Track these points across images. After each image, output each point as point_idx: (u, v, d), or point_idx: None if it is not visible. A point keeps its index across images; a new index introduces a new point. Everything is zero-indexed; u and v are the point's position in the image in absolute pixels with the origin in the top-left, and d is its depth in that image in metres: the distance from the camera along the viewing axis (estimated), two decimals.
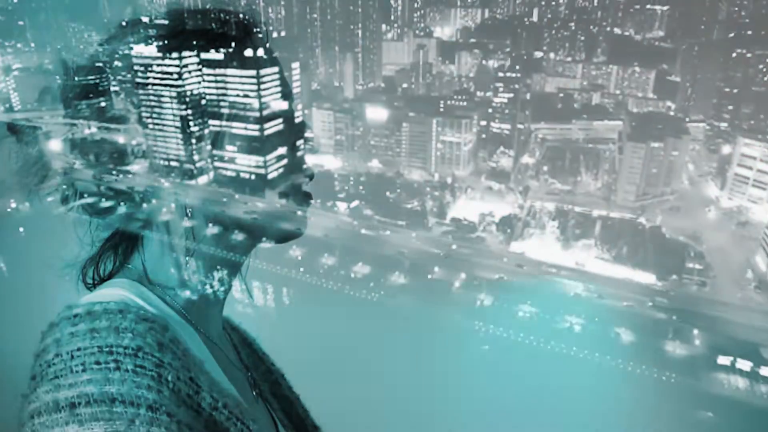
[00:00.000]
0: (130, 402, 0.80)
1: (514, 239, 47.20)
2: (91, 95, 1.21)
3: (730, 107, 54.07)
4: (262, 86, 1.26)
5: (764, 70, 53.33)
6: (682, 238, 46.12)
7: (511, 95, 56.22)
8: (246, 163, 1.23)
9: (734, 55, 55.36)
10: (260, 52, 1.29)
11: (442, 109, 56.29)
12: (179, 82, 1.22)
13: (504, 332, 34.57)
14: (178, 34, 1.22)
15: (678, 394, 31.24)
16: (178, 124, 1.23)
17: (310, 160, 1.34)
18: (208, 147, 1.23)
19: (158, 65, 1.20)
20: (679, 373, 32.44)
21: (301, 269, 42.95)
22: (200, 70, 1.21)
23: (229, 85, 1.24)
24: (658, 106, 60.95)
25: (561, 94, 63.57)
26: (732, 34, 57.93)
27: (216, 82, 1.23)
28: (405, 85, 66.29)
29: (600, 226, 47.58)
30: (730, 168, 49.67)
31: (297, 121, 1.33)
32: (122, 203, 1.18)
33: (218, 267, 1.23)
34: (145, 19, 1.21)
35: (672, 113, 59.49)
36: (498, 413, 31.77)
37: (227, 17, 1.25)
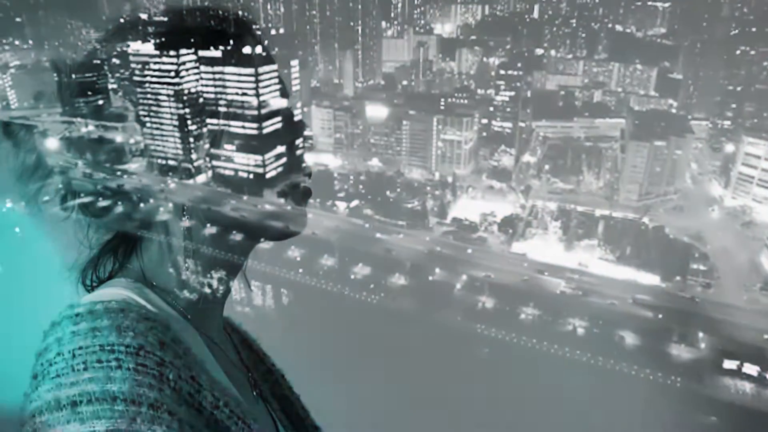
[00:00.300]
0: (132, 400, 0.81)
1: (516, 240, 47.11)
2: (88, 93, 1.21)
3: (734, 105, 54.04)
4: (261, 84, 1.26)
5: None
6: (685, 239, 45.97)
7: (513, 93, 56.20)
8: (244, 162, 1.23)
9: (738, 52, 55.34)
10: (258, 49, 1.29)
11: (442, 107, 56.25)
12: (177, 80, 1.22)
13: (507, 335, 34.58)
14: (176, 32, 1.22)
15: (683, 399, 31.06)
16: (176, 122, 1.23)
17: (310, 159, 1.34)
18: (206, 146, 1.23)
19: (155, 63, 1.20)
20: (685, 377, 32.22)
21: (300, 270, 42.96)
22: (198, 68, 1.21)
23: (227, 83, 1.24)
24: (660, 103, 60.95)
25: (562, 92, 63.57)
26: (736, 31, 57.93)
27: (214, 80, 1.23)
28: (405, 83, 66.28)
29: (603, 226, 47.47)
30: (733, 167, 49.61)
31: (296, 119, 1.34)
32: (120, 203, 1.18)
33: (218, 267, 1.23)
34: (144, 16, 1.22)
35: (674, 111, 59.49)
36: (497, 414, 31.79)
37: (225, 15, 1.26)
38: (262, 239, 1.34)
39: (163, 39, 1.20)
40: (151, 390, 0.84)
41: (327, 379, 29.43)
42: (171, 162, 1.23)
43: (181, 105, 1.23)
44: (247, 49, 1.26)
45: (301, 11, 69.75)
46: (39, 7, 57.79)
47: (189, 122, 1.24)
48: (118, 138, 1.22)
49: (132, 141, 1.22)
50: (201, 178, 1.23)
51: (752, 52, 54.67)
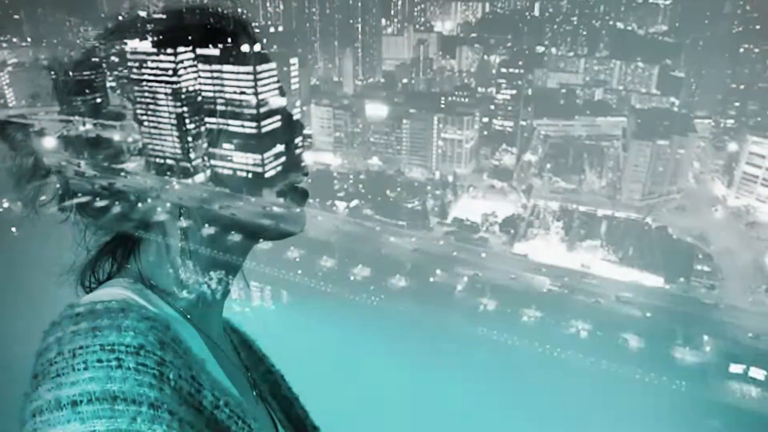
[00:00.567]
0: (132, 400, 0.81)
1: (518, 240, 47.03)
2: (86, 91, 1.21)
3: (737, 103, 54.02)
4: (259, 83, 1.26)
5: None
6: (689, 239, 45.89)
7: (514, 91, 56.21)
8: (243, 162, 1.23)
9: (741, 50, 55.33)
10: (257, 47, 1.29)
11: (443, 106, 56.24)
12: (174, 79, 1.22)
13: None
14: (173, 30, 1.22)
15: (689, 404, 30.89)
16: (174, 121, 1.23)
17: (309, 158, 1.34)
18: (205, 145, 1.24)
19: (153, 61, 1.21)
20: (691, 382, 32.02)
21: (299, 271, 42.95)
22: (196, 66, 1.21)
23: (225, 82, 1.24)
24: (661, 101, 60.98)
25: (563, 90, 63.63)
26: (740, 29, 57.91)
27: (212, 78, 1.23)
28: (405, 81, 66.30)
29: (605, 227, 47.44)
30: (737, 166, 49.59)
31: (295, 118, 1.34)
32: (117, 204, 1.18)
33: (217, 268, 1.24)
34: (143, 14, 1.22)
35: (676, 109, 59.50)
36: (498, 416, 31.82)
37: (223, 13, 1.26)
38: (260, 240, 1.35)
39: (160, 37, 1.20)
40: (152, 389, 0.84)
41: (326, 380, 29.47)
42: (169, 161, 1.23)
43: (179, 104, 1.23)
44: (245, 48, 1.26)
45: (300, 8, 69.76)
46: (38, 5, 57.80)
47: (187, 121, 1.24)
48: (116, 137, 1.22)
49: (130, 140, 1.22)
50: (199, 178, 1.23)
51: (756, 50, 54.69)
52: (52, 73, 1.23)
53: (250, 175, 1.24)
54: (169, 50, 1.21)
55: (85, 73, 1.23)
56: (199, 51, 1.21)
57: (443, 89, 62.45)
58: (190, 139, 1.24)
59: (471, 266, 43.70)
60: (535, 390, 32.30)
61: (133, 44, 1.22)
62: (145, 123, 1.25)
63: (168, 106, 1.24)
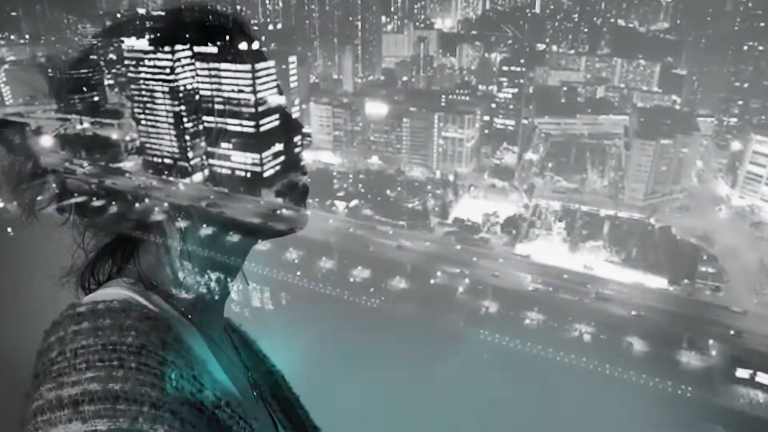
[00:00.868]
0: (134, 399, 0.82)
1: (520, 241, 46.92)
2: (84, 89, 1.22)
3: (740, 102, 54.02)
4: (258, 81, 1.26)
5: None
6: (693, 240, 45.74)
7: (516, 90, 56.20)
8: (242, 161, 1.23)
9: (745, 48, 55.33)
10: (255, 45, 1.29)
11: (443, 104, 56.22)
12: (172, 77, 1.22)
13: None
14: (171, 28, 1.22)
15: (694, 409, 30.68)
16: (172, 120, 1.23)
17: (308, 157, 1.35)
18: (203, 144, 1.24)
19: (150, 59, 1.21)
20: (696, 386, 31.78)
21: (299, 273, 42.92)
22: (193, 64, 1.21)
23: (223, 80, 1.24)
24: (663, 99, 61.01)
25: (564, 88, 63.65)
26: (744, 26, 57.90)
27: (210, 76, 1.23)
28: (405, 78, 66.31)
29: (608, 227, 47.35)
30: (741, 165, 49.56)
31: (293, 116, 1.34)
32: (116, 205, 1.18)
33: (216, 268, 1.25)
34: (141, 11, 1.22)
35: (677, 107, 59.50)
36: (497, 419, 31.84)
37: (221, 11, 1.26)
38: (260, 240, 1.35)
39: (158, 35, 1.21)
40: (153, 389, 0.85)
41: (326, 380, 29.49)
42: (167, 160, 1.23)
43: (176, 102, 1.24)
44: (243, 46, 1.26)
45: (299, 6, 69.74)
46: (36, 2, 57.79)
47: (185, 120, 1.24)
48: (114, 135, 1.22)
49: (128, 138, 1.22)
50: (198, 177, 1.23)
51: (760, 48, 54.69)
52: (50, 71, 1.24)
53: (248, 175, 1.24)
54: (167, 48, 1.21)
55: (82, 71, 1.23)
56: (196, 49, 1.21)
57: (443, 87, 62.45)
58: (187, 138, 1.24)
59: (474, 267, 43.68)
60: (535, 392, 32.29)
61: (129, 42, 1.22)
62: (143, 122, 1.26)
63: (165, 104, 1.25)
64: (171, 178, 1.22)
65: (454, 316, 39.45)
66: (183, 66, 1.21)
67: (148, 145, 1.24)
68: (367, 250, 45.36)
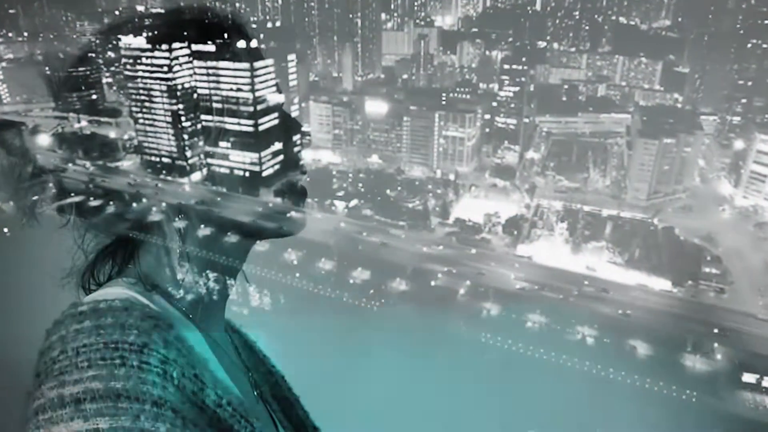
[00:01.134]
0: (136, 398, 0.83)
1: (521, 242, 46.84)
2: (82, 87, 1.22)
3: (743, 100, 53.98)
4: (256, 79, 1.27)
5: None
6: (696, 240, 45.61)
7: (517, 88, 56.18)
8: (240, 160, 1.23)
9: (749, 45, 55.32)
10: (253, 44, 1.29)
11: (444, 102, 56.20)
12: (169, 75, 1.22)
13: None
14: (168, 26, 1.23)
15: (699, 415, 30.54)
16: (170, 119, 1.23)
17: (307, 156, 1.35)
18: (201, 143, 1.24)
19: (147, 57, 1.21)
20: (701, 391, 31.60)
21: (297, 274, 42.89)
22: (191, 62, 1.21)
23: (221, 79, 1.24)
24: (665, 98, 61.01)
25: (566, 86, 63.66)
26: (748, 23, 57.88)
27: (208, 75, 1.23)
28: (405, 76, 66.32)
29: (611, 227, 47.24)
30: (744, 165, 49.51)
31: (293, 115, 1.34)
32: (115, 205, 1.19)
33: (217, 269, 1.26)
34: (140, 8, 1.22)
35: (679, 105, 59.48)
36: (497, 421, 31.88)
37: (219, 9, 1.26)
38: (259, 240, 1.36)
39: (155, 33, 1.21)
40: (155, 387, 0.86)
41: (327, 380, 29.50)
42: (165, 159, 1.23)
43: (174, 101, 1.24)
44: (241, 44, 1.26)
45: (298, 3, 69.72)
46: None
47: (183, 118, 1.24)
48: (112, 134, 1.22)
49: (126, 137, 1.22)
50: (196, 176, 1.23)
51: (764, 45, 54.68)
52: (47, 69, 1.24)
53: (247, 174, 1.25)
54: (164, 46, 1.21)
55: (80, 69, 1.23)
56: (194, 47, 1.21)
57: (444, 85, 62.45)
58: (186, 137, 1.24)
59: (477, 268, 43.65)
60: (536, 394, 32.30)
61: (126, 40, 1.22)
62: (140, 120, 1.26)
63: (163, 103, 1.25)
64: (169, 178, 1.22)
65: (461, 318, 39.44)
66: (181, 64, 1.22)
67: (146, 144, 1.24)
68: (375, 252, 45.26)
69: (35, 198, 1.19)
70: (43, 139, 1.21)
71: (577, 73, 65.79)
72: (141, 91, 1.27)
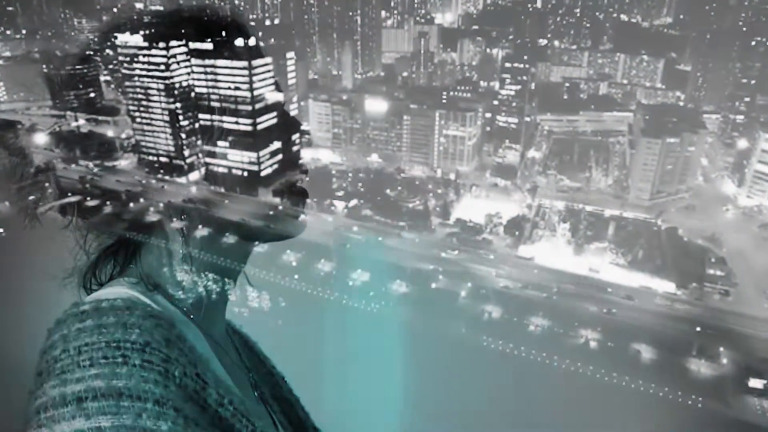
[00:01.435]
0: (137, 396, 0.83)
1: (523, 242, 46.74)
2: (80, 85, 1.23)
3: (747, 98, 53.91)
4: (255, 78, 1.27)
5: None
6: (700, 241, 45.38)
7: (519, 87, 56.12)
8: (238, 159, 1.24)
9: (753, 43, 55.28)
10: (251, 42, 1.29)
11: (444, 101, 56.15)
12: (167, 74, 1.22)
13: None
14: (166, 24, 1.23)
15: (704, 421, 30.42)
16: (167, 117, 1.24)
17: (307, 155, 1.35)
18: (199, 142, 1.24)
19: (144, 55, 1.21)
20: (706, 397, 31.46)
21: (296, 276, 42.86)
22: (189, 61, 1.22)
23: (219, 77, 1.24)
24: (667, 96, 60.96)
25: (567, 84, 63.62)
26: (751, 20, 57.85)
27: (205, 73, 1.23)
28: (405, 74, 66.31)
29: (613, 228, 47.10)
30: (748, 164, 49.44)
31: (292, 114, 1.34)
32: (114, 206, 1.19)
33: (217, 270, 1.26)
34: (139, 5, 1.22)
35: (681, 104, 59.41)
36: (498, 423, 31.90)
37: (217, 6, 1.26)
38: (258, 242, 1.36)
39: (153, 31, 1.21)
40: (157, 386, 0.86)
41: (327, 381, 29.52)
42: (163, 159, 1.23)
43: (172, 99, 1.24)
44: (239, 42, 1.26)
45: (297, 0, 69.70)
46: None
47: (180, 117, 1.24)
48: (109, 132, 1.23)
49: (123, 136, 1.23)
50: (194, 176, 1.23)
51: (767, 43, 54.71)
52: (44, 67, 1.25)
53: (245, 174, 1.25)
54: (161, 44, 1.21)
55: (78, 67, 1.24)
56: (192, 45, 1.21)
57: (444, 83, 62.42)
58: (183, 135, 1.24)
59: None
60: (535, 396, 32.32)
61: (123, 38, 1.22)
62: (138, 119, 1.26)
63: (161, 101, 1.25)
64: (167, 177, 1.23)
65: (461, 320, 39.48)
66: (179, 62, 1.22)
67: (143, 143, 1.24)
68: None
69: (32, 198, 1.19)
70: (41, 138, 1.21)
71: (579, 71, 65.78)
72: (139, 90, 1.27)
